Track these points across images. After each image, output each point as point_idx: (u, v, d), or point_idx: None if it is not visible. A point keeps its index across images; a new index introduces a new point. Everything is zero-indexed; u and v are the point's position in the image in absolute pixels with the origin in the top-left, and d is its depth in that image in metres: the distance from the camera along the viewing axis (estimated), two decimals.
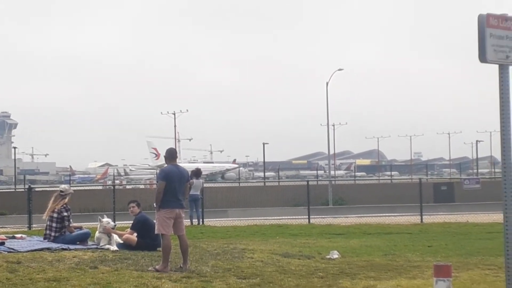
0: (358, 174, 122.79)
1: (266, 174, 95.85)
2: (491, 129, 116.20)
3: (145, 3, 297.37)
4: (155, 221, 13.93)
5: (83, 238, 16.58)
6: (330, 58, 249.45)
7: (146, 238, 16.12)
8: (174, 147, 15.02)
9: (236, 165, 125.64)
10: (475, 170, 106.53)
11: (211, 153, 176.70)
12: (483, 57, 7.23)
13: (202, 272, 12.98)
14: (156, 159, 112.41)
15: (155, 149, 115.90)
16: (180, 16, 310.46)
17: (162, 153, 14.17)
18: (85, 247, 15.98)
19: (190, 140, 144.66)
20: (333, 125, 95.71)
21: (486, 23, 7.18)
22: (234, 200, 49.73)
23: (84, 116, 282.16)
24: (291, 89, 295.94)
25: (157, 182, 14.11)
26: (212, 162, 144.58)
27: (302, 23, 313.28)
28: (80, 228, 17.07)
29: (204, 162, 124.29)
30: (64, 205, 16.43)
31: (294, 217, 31.56)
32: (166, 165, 14.12)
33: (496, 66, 7.49)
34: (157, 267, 13.18)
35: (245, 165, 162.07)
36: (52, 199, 16.60)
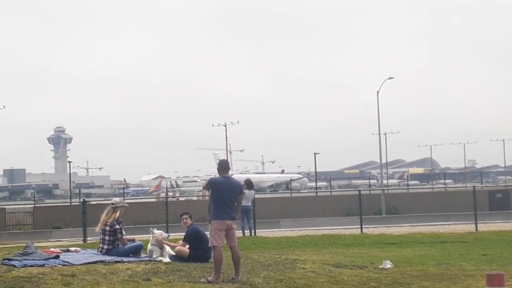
0: (411, 182, 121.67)
1: (318, 184, 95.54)
2: None
3: (178, 18, 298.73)
4: (207, 233, 14.00)
5: (136, 251, 16.73)
6: (379, 67, 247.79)
7: (198, 250, 16.20)
8: (226, 158, 15.05)
9: (301, 176, 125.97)
10: None
11: (263, 164, 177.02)
12: None
13: (254, 283, 12.99)
14: None
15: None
16: (210, 29, 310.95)
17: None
18: (138, 259, 16.11)
19: (241, 151, 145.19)
20: (385, 134, 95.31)
21: None
22: (286, 211, 49.74)
23: (137, 131, 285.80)
24: (342, 99, 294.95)
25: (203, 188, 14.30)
26: (264, 173, 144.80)
27: (344, 33, 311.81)
28: (133, 240, 17.22)
29: (258, 173, 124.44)
30: (116, 218, 16.61)
31: (346, 227, 31.37)
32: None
33: None
34: (209, 278, 13.22)
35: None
36: (105, 212, 16.80)
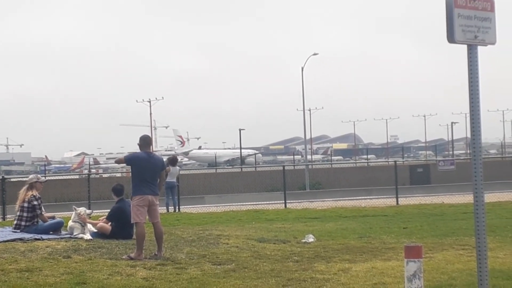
0: (335, 158, 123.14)
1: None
2: (466, 110, 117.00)
3: None
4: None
5: (56, 228, 16.44)
6: (304, 43, 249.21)
7: (122, 227, 15.98)
8: (148, 135, 14.83)
9: (256, 151, 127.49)
10: (451, 152, 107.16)
11: (188, 140, 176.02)
12: (451, 38, 7.19)
13: (176, 259, 12.92)
14: (182, 146, 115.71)
15: (181, 136, 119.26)
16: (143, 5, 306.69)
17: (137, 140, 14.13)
18: (58, 236, 15.84)
19: (166, 127, 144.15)
20: (309, 110, 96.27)
21: (454, 3, 7.14)
22: (211, 187, 49.77)
23: (59, 106, 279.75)
24: (266, 75, 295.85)
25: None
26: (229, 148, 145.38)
27: (269, 10, 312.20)
28: (53, 217, 16.93)
29: (213, 148, 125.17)
30: (34, 195, 16.29)
31: (270, 202, 31.56)
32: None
33: (465, 47, 7.47)
34: (131, 255, 13.10)
35: None
36: (22, 190, 16.48)
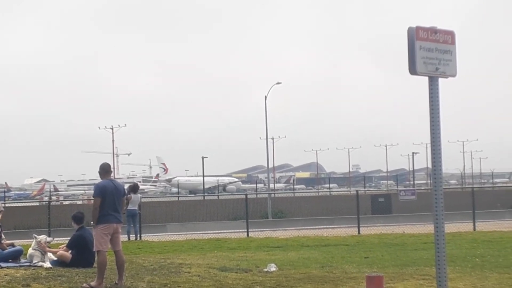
0: (297, 186, 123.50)
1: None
2: (427, 141, 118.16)
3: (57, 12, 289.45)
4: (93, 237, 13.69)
5: (15, 256, 16.20)
6: (267, 70, 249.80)
7: (82, 255, 15.80)
8: (110, 162, 14.73)
9: (236, 179, 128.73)
10: (412, 182, 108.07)
11: (151, 167, 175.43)
12: (413, 69, 7.31)
13: None
14: (165, 173, 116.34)
15: (164, 164, 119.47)
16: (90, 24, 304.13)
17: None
18: (17, 264, 15.62)
19: (128, 155, 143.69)
20: (272, 139, 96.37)
21: (415, 35, 7.26)
22: (173, 215, 49.51)
23: (17, 132, 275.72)
24: (230, 102, 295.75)
25: (92, 198, 13.85)
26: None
27: (242, 30, 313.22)
28: (12, 245, 16.69)
29: (193, 176, 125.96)
30: None
31: (233, 230, 31.49)
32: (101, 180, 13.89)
33: (427, 78, 7.59)
34: (91, 283, 12.94)
35: None
36: None
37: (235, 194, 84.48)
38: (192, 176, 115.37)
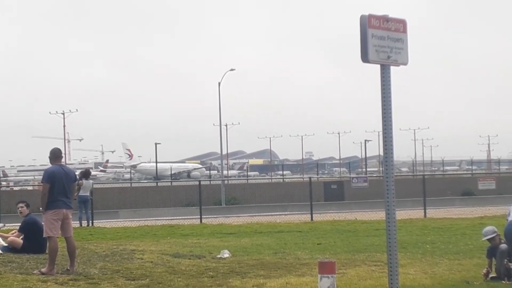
0: (251, 173, 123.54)
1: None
2: (379, 129, 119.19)
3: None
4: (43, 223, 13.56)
5: None
6: (220, 59, 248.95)
7: (33, 241, 15.63)
8: (59, 147, 14.57)
9: (201, 166, 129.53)
10: (364, 169, 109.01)
11: (103, 153, 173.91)
12: (365, 57, 7.36)
13: (89, 274, 12.72)
14: (130, 159, 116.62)
15: (129, 150, 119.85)
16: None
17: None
18: None
19: (80, 140, 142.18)
20: (226, 125, 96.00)
21: (368, 23, 7.31)
22: (125, 201, 49.17)
23: None
24: (182, 89, 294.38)
25: (41, 183, 13.71)
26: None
27: (184, 26, 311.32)
28: None
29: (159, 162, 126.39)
30: None
31: (186, 217, 31.45)
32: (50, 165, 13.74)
33: (378, 66, 7.65)
34: (42, 270, 12.82)
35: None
36: None
37: (189, 180, 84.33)
38: (158, 162, 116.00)
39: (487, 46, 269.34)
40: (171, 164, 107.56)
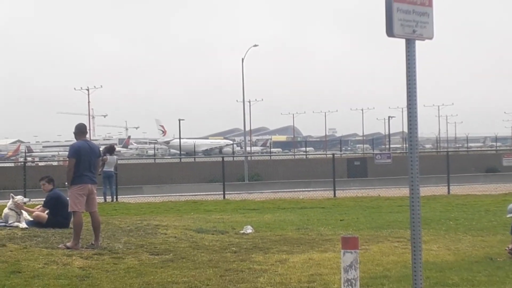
0: (273, 150, 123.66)
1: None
2: (403, 105, 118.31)
3: None
4: (68, 198, 13.68)
5: None
6: (243, 35, 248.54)
7: (58, 216, 15.77)
8: (85, 123, 14.66)
9: (231, 142, 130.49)
10: (387, 146, 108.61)
11: (127, 129, 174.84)
12: (390, 32, 7.28)
13: (114, 249, 12.85)
14: (163, 135, 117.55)
15: (162, 126, 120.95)
16: None
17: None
18: None
19: (104, 116, 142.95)
20: (249, 102, 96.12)
21: None
22: (149, 177, 49.42)
23: None
24: (205, 65, 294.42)
25: (67, 158, 13.81)
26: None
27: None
28: None
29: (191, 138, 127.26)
30: None
31: (209, 193, 31.54)
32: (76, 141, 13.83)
33: (404, 41, 7.57)
34: (67, 244, 12.96)
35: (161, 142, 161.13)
36: None
37: (212, 156, 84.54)
38: (188, 138, 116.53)
39: None
40: (202, 140, 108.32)
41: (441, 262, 11.53)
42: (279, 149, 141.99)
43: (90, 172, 13.28)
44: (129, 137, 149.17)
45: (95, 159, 13.55)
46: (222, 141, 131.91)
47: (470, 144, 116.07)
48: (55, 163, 60.97)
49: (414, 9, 7.41)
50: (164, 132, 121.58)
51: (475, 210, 21.47)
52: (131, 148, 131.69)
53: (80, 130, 13.69)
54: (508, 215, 12.32)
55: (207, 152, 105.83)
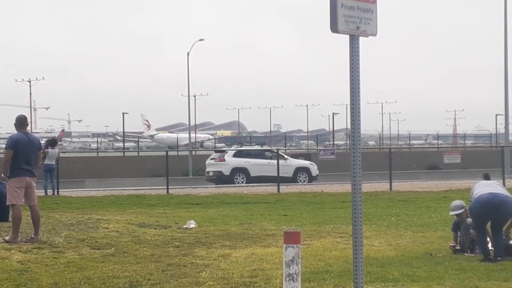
0: (218, 145, 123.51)
1: (126, 144, 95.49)
2: (347, 102, 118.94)
3: None
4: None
5: None
6: (188, 29, 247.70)
7: None
8: (26, 115, 14.38)
9: (212, 137, 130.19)
10: (332, 142, 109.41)
11: (69, 122, 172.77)
12: (334, 28, 7.29)
13: (54, 243, 12.66)
14: (148, 129, 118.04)
15: (147, 120, 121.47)
16: None
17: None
18: None
19: (47, 109, 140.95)
20: (194, 96, 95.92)
21: None
22: (92, 171, 48.90)
23: None
24: (150, 58, 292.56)
25: (4, 150, 13.55)
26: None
27: None
28: None
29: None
30: None
31: (152, 187, 31.31)
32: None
33: (347, 37, 7.59)
34: (6, 238, 12.73)
35: (104, 135, 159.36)
36: None
37: (156, 150, 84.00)
38: (171, 132, 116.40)
39: (456, 23, 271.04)
40: (186, 134, 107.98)
41: (382, 258, 11.65)
42: (223, 144, 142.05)
43: (28, 165, 13.04)
44: (63, 130, 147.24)
45: (35, 151, 13.30)
46: (202, 135, 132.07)
47: (412, 142, 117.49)
48: None
49: (359, 5, 7.45)
50: (149, 127, 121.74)
51: (416, 206, 21.75)
52: (64, 142, 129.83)
53: (21, 122, 13.43)
54: (451, 213, 12.50)
55: (189, 146, 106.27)
